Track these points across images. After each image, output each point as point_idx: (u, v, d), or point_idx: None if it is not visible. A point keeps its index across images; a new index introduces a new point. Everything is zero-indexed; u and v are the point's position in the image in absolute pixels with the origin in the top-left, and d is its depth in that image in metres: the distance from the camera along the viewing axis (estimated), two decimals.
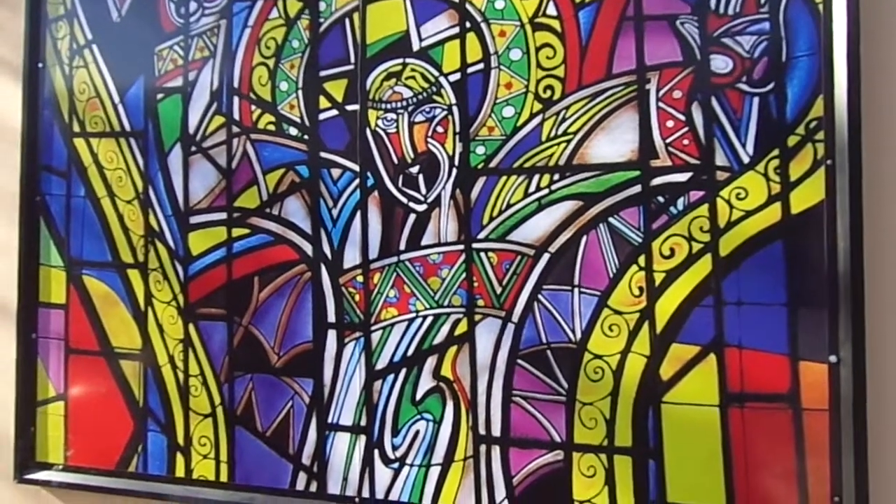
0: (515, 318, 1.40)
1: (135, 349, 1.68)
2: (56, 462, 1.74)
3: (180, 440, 1.63)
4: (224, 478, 1.59)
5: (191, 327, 1.63)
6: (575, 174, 1.37)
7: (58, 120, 1.77)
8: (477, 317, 1.42)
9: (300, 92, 1.56)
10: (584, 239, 1.36)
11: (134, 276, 1.69)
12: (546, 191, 1.39)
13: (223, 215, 1.62)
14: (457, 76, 1.45)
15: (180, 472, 1.63)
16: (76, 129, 1.75)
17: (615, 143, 1.35)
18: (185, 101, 1.66)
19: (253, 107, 1.60)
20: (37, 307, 1.77)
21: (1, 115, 1.85)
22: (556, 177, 1.38)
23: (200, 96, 1.64)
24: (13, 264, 1.79)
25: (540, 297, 1.38)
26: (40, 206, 1.77)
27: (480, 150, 1.43)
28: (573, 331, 1.36)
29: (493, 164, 1.42)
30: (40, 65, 1.79)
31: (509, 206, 1.41)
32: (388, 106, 1.49)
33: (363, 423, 1.49)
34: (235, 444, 1.59)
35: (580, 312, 1.36)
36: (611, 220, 1.35)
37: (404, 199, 1.48)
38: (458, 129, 1.45)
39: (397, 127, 1.49)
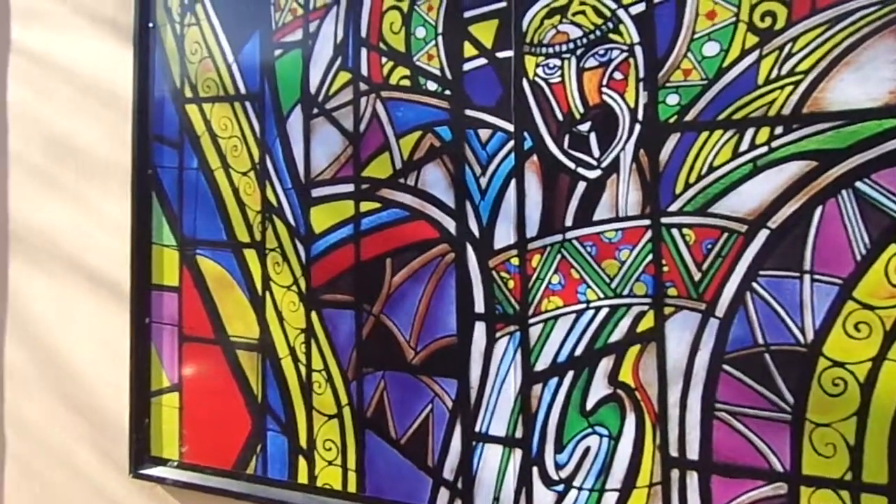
0: (720, 311, 1.02)
1: (252, 338, 1.40)
2: (171, 458, 1.48)
3: (303, 442, 1.34)
4: (352, 488, 1.29)
5: (314, 315, 1.33)
6: (806, 126, 0.98)
7: (169, 85, 1.49)
8: (667, 309, 1.06)
9: (440, 38, 1.22)
10: (818, 210, 0.97)
11: (251, 256, 1.40)
12: (764, 149, 1.00)
13: (350, 187, 1.30)
14: (640, 7, 1.07)
15: (303, 477, 1.34)
16: (188, 94, 1.47)
17: (866, 82, 0.94)
18: (305, 58, 1.34)
19: (384, 59, 1.27)
20: (150, 290, 1.51)
21: (111, 82, 1.59)
22: (779, 130, 0.99)
23: (323, 50, 1.32)
24: (125, 243, 1.53)
25: (755, 285, 1.00)
26: (152, 179, 1.51)
27: (673, 99, 1.05)
28: (802, 330, 0.97)
29: (689, 117, 1.04)
30: (151, 25, 1.52)
31: (712, 169, 1.03)
32: (551, 50, 1.13)
33: (519, 434, 1.16)
34: (365, 450, 1.28)
35: (812, 306, 0.97)
36: (858, 184, 0.95)
37: (571, 164, 1.12)
38: (642, 75, 1.07)
39: (562, 75, 1.13)
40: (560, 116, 1.12)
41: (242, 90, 1.40)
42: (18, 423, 1.71)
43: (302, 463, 1.33)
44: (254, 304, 1.38)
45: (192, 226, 1.45)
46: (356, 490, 1.27)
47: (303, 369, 1.33)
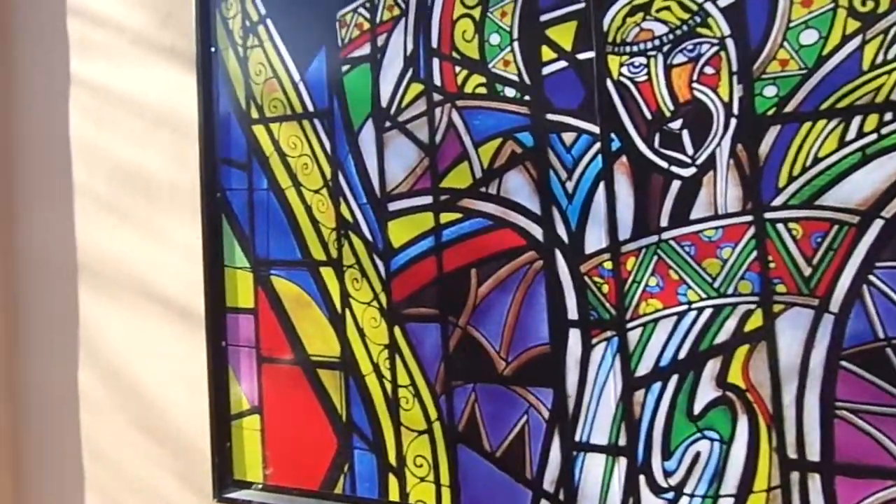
0: (835, 307, 0.97)
1: (333, 356, 1.37)
2: (255, 480, 1.46)
3: (392, 460, 1.31)
4: (447, 503, 1.26)
5: (397, 330, 1.30)
6: None
7: (234, 107, 1.48)
8: (777, 307, 1.01)
9: (516, 44, 1.19)
10: None
11: (328, 274, 1.38)
12: (873, 136, 0.95)
13: (428, 199, 1.27)
14: None
15: (394, 495, 1.30)
16: (254, 115, 1.45)
17: None
18: (374, 71, 1.32)
19: (457, 68, 1.24)
20: (225, 312, 1.49)
21: (175, 107, 1.58)
22: (889, 116, 0.95)
23: (392, 63, 1.30)
24: (198, 267, 1.52)
25: (871, 277, 0.95)
26: (222, 202, 1.49)
27: (770, 91, 1.01)
28: None
29: (789, 108, 1.00)
30: (213, 49, 1.51)
31: (817, 160, 0.98)
32: (635, 48, 1.10)
33: (622, 442, 1.12)
34: (459, 465, 1.25)
35: None
36: None
37: (664, 163, 1.08)
38: (735, 68, 1.03)
39: (649, 73, 1.09)
40: (649, 115, 1.08)
41: (311, 108, 1.38)
42: (96, 450, 1.70)
43: (392, 480, 1.29)
44: (333, 322, 1.35)
45: (264, 246, 1.43)
46: None
47: (388, 385, 1.30)
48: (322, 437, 1.36)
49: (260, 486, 1.43)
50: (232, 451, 1.47)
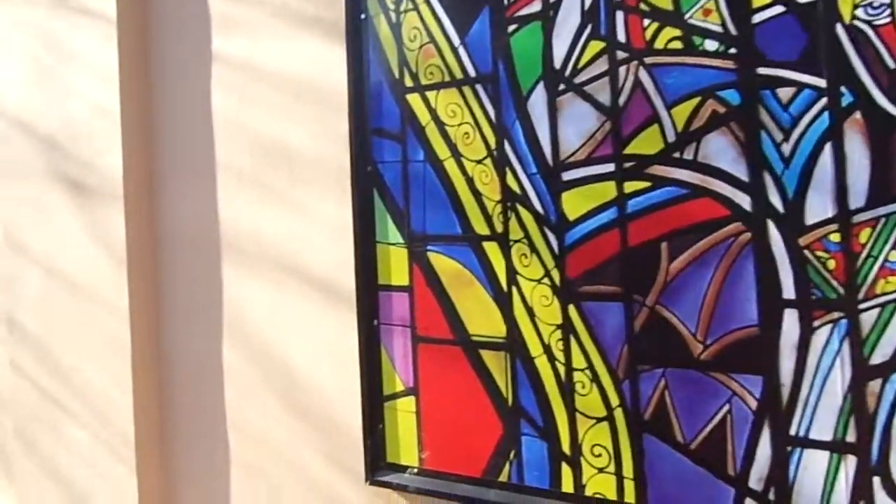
0: None
1: (498, 337, 1.28)
2: (409, 464, 1.39)
3: (566, 448, 1.21)
4: (630, 497, 1.14)
5: (572, 310, 1.19)
6: None
7: (387, 76, 1.40)
8: None
9: None
10: None
11: (492, 249, 1.28)
12: None
13: (610, 167, 1.15)
14: None
15: (568, 486, 1.20)
16: (408, 83, 1.37)
17: None
18: (546, 29, 1.20)
19: (646, 21, 1.11)
20: (377, 291, 1.42)
21: (322, 79, 1.51)
22: None
23: (567, 20, 1.18)
24: (347, 244, 1.45)
25: None
26: (374, 176, 1.42)
27: None
28: None
29: None
30: (362, 16, 1.43)
31: None
32: None
33: (851, 438, 0.98)
34: (645, 456, 1.13)
35: None
36: None
37: None
38: None
39: (892, 14, 0.94)
40: (892, 63, 0.92)
41: (472, 73, 1.27)
42: (242, 427, 1.67)
43: (566, 470, 1.19)
44: (498, 301, 1.25)
45: (420, 221, 1.35)
46: (635, 500, 1.12)
47: (561, 368, 1.19)
48: (485, 421, 1.27)
49: (415, 470, 1.36)
50: (385, 433, 1.40)
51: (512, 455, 1.24)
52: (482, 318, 1.27)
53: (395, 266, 1.38)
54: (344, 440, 1.47)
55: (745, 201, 1.02)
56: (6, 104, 2.11)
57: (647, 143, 1.10)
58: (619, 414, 1.13)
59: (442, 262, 1.32)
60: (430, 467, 1.34)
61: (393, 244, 1.38)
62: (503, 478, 1.25)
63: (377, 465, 1.39)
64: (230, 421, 1.69)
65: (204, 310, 1.74)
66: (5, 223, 2.13)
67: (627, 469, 1.13)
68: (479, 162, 1.27)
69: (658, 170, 1.09)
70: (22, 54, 2.05)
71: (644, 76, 1.10)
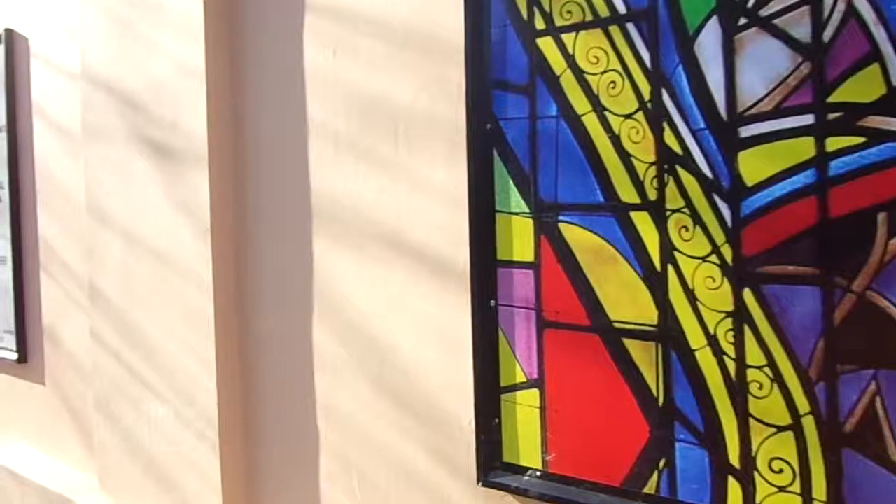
0: None
1: (647, 324, 1.07)
2: (530, 466, 1.21)
3: (734, 459, 0.99)
4: None
5: (748, 294, 0.97)
6: None
7: (512, 18, 1.18)
8: None
9: None
10: None
11: (642, 220, 1.06)
12: None
13: (808, 118, 0.92)
14: None
15: None
16: (540, 25, 1.15)
17: None
18: None
19: None
20: (496, 267, 1.23)
21: (431, 27, 1.31)
22: None
23: None
24: (460, 213, 1.26)
25: None
26: (494, 135, 1.22)
27: None
28: None
29: None
30: None
31: None
32: None
33: None
34: (844, 476, 0.92)
35: None
36: None
37: None
38: None
39: None
40: None
41: (622, 10, 1.05)
42: (333, 414, 1.52)
43: (733, 485, 0.98)
44: (648, 282, 1.05)
45: (551, 187, 1.14)
46: None
47: (731, 365, 0.97)
48: (627, 422, 1.07)
49: (538, 473, 1.17)
50: (501, 429, 1.21)
51: (662, 464, 1.04)
52: (627, 302, 1.07)
53: (519, 239, 1.18)
54: (452, 435, 1.30)
55: None
56: (88, 64, 2.00)
57: (860, 89, 0.86)
58: (808, 422, 0.92)
59: (577, 235, 1.11)
60: (555, 471, 1.15)
61: (516, 214, 1.18)
62: (649, 489, 1.05)
63: (491, 464, 1.21)
64: (320, 407, 1.54)
65: (293, 285, 1.58)
66: (88, 188, 2.02)
67: (819, 490, 0.91)
68: (628, 116, 1.06)
69: (876, 122, 0.86)
70: (103, 11, 1.92)
71: (861, 3, 0.86)
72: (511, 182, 1.18)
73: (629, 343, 1.07)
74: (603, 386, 1.09)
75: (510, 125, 1.18)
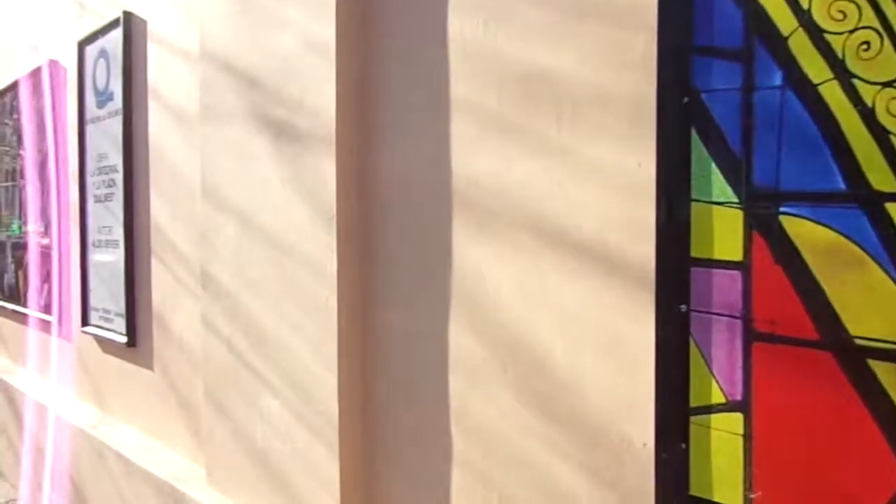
0: None
1: None
2: (726, 503, 1.02)
3: None
4: None
5: None
6: None
7: None
8: None
9: None
10: None
11: None
12: None
13: None
14: None
15: None
16: None
17: None
18: None
19: None
20: (689, 266, 1.03)
21: None
22: None
23: None
24: (645, 203, 1.06)
25: None
26: (692, 110, 1.02)
27: None
28: None
29: None
30: None
31: None
32: None
33: None
34: None
35: None
36: None
37: None
38: None
39: None
40: None
41: None
42: (466, 421, 1.35)
43: None
44: None
45: (770, 172, 0.93)
46: None
47: None
48: (870, 463, 0.86)
49: None
50: (689, 456, 1.02)
51: None
52: (875, 315, 0.85)
53: (722, 233, 0.98)
54: (620, 458, 1.11)
55: None
56: (207, 43, 1.90)
57: None
58: None
59: (806, 231, 0.90)
60: None
61: (719, 203, 0.98)
62: None
63: (675, 496, 1.02)
64: (454, 413, 1.38)
65: (427, 277, 1.43)
66: (203, 170, 1.94)
67: None
68: (887, 85, 0.84)
69: None
70: None
71: None
72: (713, 165, 0.98)
73: (877, 365, 0.85)
74: (836, 416, 0.88)
75: (715, 98, 0.97)
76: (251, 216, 1.78)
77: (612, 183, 1.11)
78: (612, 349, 1.12)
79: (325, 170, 1.55)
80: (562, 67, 1.18)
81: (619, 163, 1.10)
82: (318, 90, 1.56)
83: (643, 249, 1.06)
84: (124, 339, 2.47)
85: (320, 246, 1.57)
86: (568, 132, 1.17)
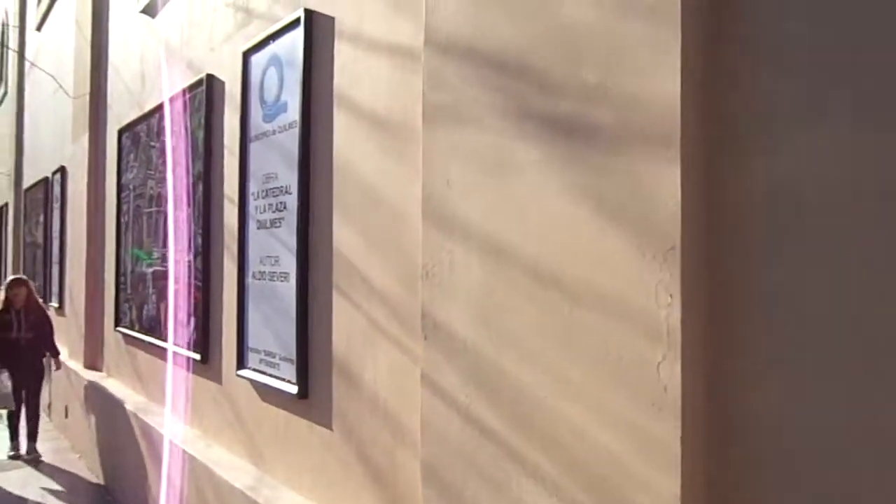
0: None
1: None
2: None
3: None
4: None
5: None
6: None
7: None
8: None
9: None
10: None
11: None
12: None
13: None
14: None
15: None
16: None
17: None
18: None
19: None
20: None
21: None
22: None
23: None
24: None
25: None
26: None
27: None
28: None
29: None
30: None
31: None
32: None
33: None
34: None
35: None
36: None
37: None
38: None
39: None
40: None
41: None
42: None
43: None
44: None
45: None
46: None
47: None
48: None
49: None
50: None
51: None
52: None
53: None
54: None
55: None
56: (434, 25, 1.45)
57: None
58: None
59: None
60: None
61: None
62: None
63: None
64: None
65: (832, 340, 0.88)
66: (425, 186, 1.46)
67: None
68: None
69: None
70: None
71: None
72: None
73: None
74: None
75: None
76: (507, 245, 1.28)
77: None
78: None
79: (660, 183, 1.04)
80: None
81: None
82: (642, 71, 1.06)
83: None
84: (294, 389, 2.01)
85: (645, 288, 1.05)
86: None
